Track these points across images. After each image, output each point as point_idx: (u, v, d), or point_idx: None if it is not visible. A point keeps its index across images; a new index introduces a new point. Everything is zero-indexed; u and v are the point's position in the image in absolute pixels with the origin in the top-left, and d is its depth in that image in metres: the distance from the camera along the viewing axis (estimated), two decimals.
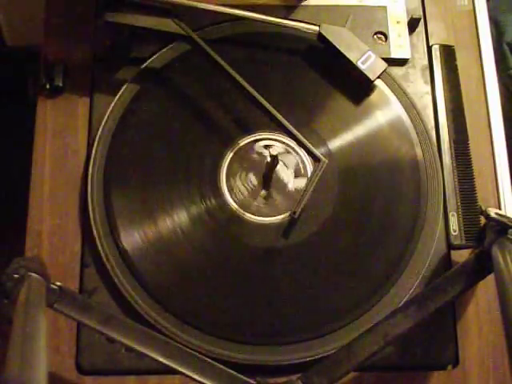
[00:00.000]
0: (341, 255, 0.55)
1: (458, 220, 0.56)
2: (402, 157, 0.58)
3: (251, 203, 0.56)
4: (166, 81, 0.60)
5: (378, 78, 0.59)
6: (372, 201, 0.57)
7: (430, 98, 0.61)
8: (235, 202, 0.56)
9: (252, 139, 0.58)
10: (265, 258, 0.55)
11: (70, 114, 0.59)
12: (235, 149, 0.58)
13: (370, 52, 0.58)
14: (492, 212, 0.50)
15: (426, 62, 0.62)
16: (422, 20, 0.63)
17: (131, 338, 0.46)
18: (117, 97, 0.59)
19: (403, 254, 0.55)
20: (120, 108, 0.59)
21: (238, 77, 0.56)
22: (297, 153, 0.58)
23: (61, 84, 0.59)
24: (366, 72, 0.58)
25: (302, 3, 0.63)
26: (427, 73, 0.62)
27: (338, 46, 0.59)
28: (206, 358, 0.47)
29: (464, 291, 0.50)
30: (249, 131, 0.58)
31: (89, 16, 0.62)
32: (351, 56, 0.58)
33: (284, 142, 0.58)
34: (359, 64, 0.58)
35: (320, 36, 0.59)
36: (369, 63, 0.58)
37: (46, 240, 0.55)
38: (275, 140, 0.58)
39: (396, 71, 0.61)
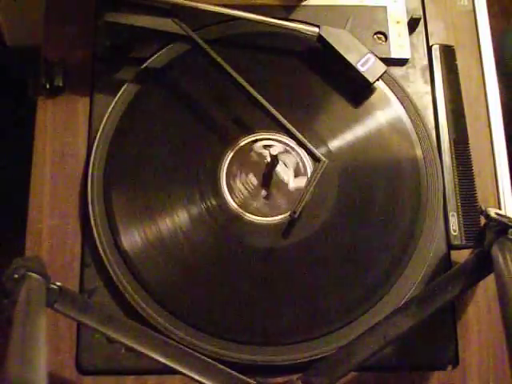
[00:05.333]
0: (341, 255, 0.55)
1: (458, 220, 0.56)
2: (402, 157, 0.58)
3: (251, 203, 0.56)
4: (165, 81, 0.60)
5: (378, 80, 0.59)
6: (372, 201, 0.57)
7: (430, 98, 0.61)
8: (235, 201, 0.56)
9: (252, 139, 0.58)
10: (265, 258, 0.55)
11: (70, 114, 0.59)
12: (235, 149, 0.58)
13: (369, 54, 0.58)
14: (492, 212, 0.50)
15: (426, 62, 0.62)
16: (422, 20, 0.63)
17: (131, 338, 0.46)
18: (117, 97, 0.59)
19: (403, 254, 0.55)
20: (120, 108, 0.59)
21: (238, 77, 0.56)
22: (297, 153, 0.58)
23: (61, 84, 0.59)
24: (365, 74, 0.58)
25: (302, 3, 0.63)
26: (427, 73, 0.62)
27: (337, 48, 0.59)
28: (206, 358, 0.47)
29: (464, 291, 0.50)
30: (249, 131, 0.58)
31: (89, 16, 0.62)
32: (351, 58, 0.58)
33: (284, 142, 0.58)
34: (359, 66, 0.58)
35: (320, 38, 0.59)
36: (368, 65, 0.58)
37: (46, 240, 0.55)
38: (275, 140, 0.58)
39: (396, 71, 0.61)
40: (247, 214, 0.56)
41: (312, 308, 0.53)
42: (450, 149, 0.59)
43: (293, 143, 0.57)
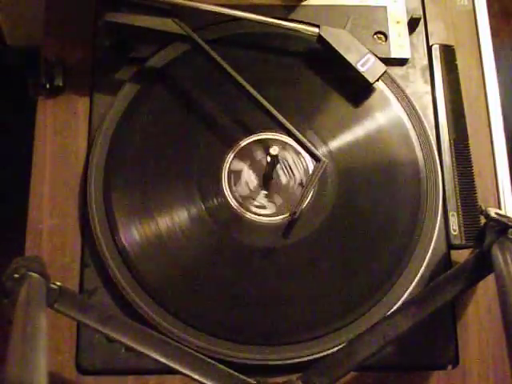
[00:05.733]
0: (340, 255, 0.55)
1: (458, 220, 0.56)
2: (402, 157, 0.58)
3: (251, 203, 0.56)
4: (166, 81, 0.60)
5: (377, 80, 0.59)
6: (372, 201, 0.57)
7: (430, 97, 0.61)
8: (235, 201, 0.56)
9: (252, 139, 0.58)
10: (265, 258, 0.55)
11: (70, 113, 0.59)
12: (236, 149, 0.58)
13: (369, 54, 0.58)
14: (492, 212, 0.50)
15: (426, 61, 0.62)
16: (422, 20, 0.63)
17: (131, 337, 0.46)
18: (117, 97, 0.59)
19: (403, 254, 0.55)
20: (120, 108, 0.59)
21: (238, 77, 0.56)
22: (297, 153, 0.58)
23: (61, 84, 0.59)
24: (365, 75, 0.58)
25: (302, 3, 0.63)
26: (427, 73, 0.62)
27: (337, 49, 0.59)
28: (206, 358, 0.47)
29: (464, 291, 0.50)
30: (249, 131, 0.58)
31: (89, 16, 0.62)
32: (351, 58, 0.58)
33: (284, 142, 0.58)
34: (359, 66, 0.58)
35: (320, 38, 0.59)
36: (368, 66, 0.58)
37: (46, 240, 0.55)
38: (275, 140, 0.58)
39: (396, 71, 0.61)
40: (247, 214, 0.56)
41: (312, 308, 0.53)
42: (450, 149, 0.59)
43: (293, 143, 0.57)
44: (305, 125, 0.58)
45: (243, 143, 0.58)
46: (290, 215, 0.55)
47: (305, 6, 0.63)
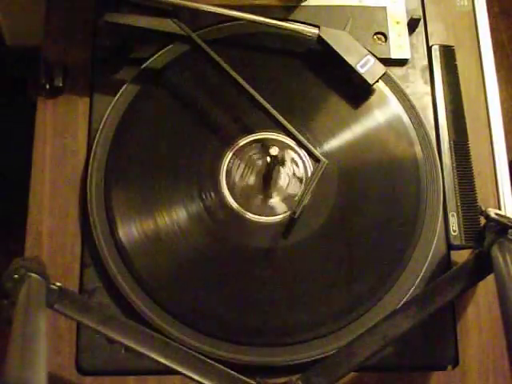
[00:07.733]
0: (340, 255, 0.55)
1: (458, 220, 0.56)
2: (402, 157, 0.58)
3: (251, 203, 0.56)
4: (166, 81, 0.60)
5: (377, 82, 0.59)
6: (371, 201, 0.57)
7: (429, 98, 0.61)
8: (235, 201, 0.56)
9: (252, 139, 0.58)
10: (265, 258, 0.55)
11: (70, 114, 0.59)
12: (235, 149, 0.58)
13: (369, 56, 0.58)
14: (492, 212, 0.50)
15: (425, 62, 0.62)
16: (422, 20, 0.63)
17: (131, 338, 0.46)
18: (117, 97, 0.59)
19: (403, 254, 0.55)
20: (120, 108, 0.59)
21: (237, 77, 0.56)
22: (297, 153, 0.58)
23: (61, 84, 0.59)
24: (364, 76, 0.58)
25: (302, 3, 0.63)
26: (427, 73, 0.62)
27: (337, 50, 0.59)
28: (206, 358, 0.47)
29: (464, 291, 0.50)
30: (248, 131, 0.58)
31: (89, 16, 0.62)
32: (350, 60, 0.58)
33: (284, 143, 0.58)
34: (358, 68, 0.58)
35: (319, 39, 0.59)
36: (368, 67, 0.58)
37: (46, 240, 0.55)
38: (275, 140, 0.58)
39: (396, 71, 0.61)
40: (247, 214, 0.56)
41: (312, 308, 0.53)
42: (450, 149, 0.59)
43: (293, 143, 0.57)
44: (305, 125, 0.58)
45: (242, 143, 0.58)
46: (289, 215, 0.55)
47: (304, 6, 0.63)
